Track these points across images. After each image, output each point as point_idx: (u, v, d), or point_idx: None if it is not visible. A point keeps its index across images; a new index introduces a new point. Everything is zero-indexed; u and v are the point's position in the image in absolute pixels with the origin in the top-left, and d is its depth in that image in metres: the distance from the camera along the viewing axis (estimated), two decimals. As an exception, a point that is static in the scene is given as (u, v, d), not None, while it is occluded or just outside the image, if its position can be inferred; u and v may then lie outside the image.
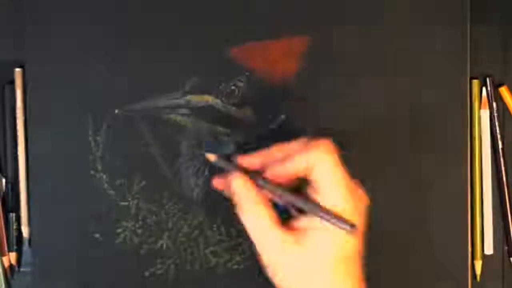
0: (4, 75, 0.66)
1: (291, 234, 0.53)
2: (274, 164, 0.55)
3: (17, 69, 0.65)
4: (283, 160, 0.54)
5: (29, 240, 0.65)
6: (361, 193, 0.55)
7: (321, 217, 0.52)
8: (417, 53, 0.64)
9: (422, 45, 0.64)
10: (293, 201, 0.54)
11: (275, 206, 0.54)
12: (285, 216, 0.54)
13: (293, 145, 0.55)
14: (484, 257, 0.66)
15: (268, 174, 0.55)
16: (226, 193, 0.56)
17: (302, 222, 0.54)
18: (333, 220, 0.52)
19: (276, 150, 0.56)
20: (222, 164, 0.56)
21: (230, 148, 0.62)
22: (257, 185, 0.54)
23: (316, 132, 0.58)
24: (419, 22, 0.64)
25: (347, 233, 0.51)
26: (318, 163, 0.53)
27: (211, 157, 0.57)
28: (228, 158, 0.57)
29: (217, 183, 0.58)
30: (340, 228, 0.51)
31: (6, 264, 0.66)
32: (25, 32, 0.64)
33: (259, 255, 0.54)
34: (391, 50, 0.64)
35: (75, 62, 0.64)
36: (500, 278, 0.66)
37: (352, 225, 0.51)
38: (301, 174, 0.54)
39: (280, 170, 0.54)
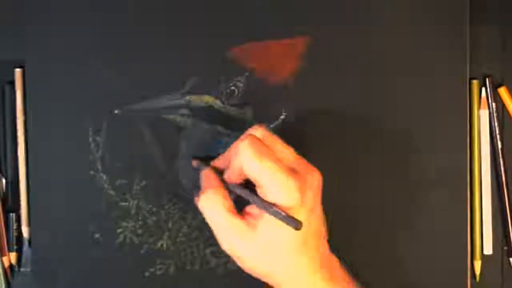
0: (4, 75, 0.65)
1: (245, 220, 0.54)
2: (226, 166, 0.57)
3: (17, 69, 0.65)
4: (229, 161, 0.57)
5: (29, 240, 0.65)
6: (312, 170, 0.55)
7: (270, 213, 0.53)
8: (416, 53, 0.64)
9: (422, 45, 0.64)
10: (248, 199, 0.55)
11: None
12: None
13: (235, 143, 0.56)
14: (484, 257, 0.66)
15: (225, 176, 0.57)
16: None
17: (254, 208, 0.55)
18: (280, 217, 0.52)
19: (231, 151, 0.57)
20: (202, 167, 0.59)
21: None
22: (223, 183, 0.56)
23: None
24: (419, 22, 0.64)
25: (294, 229, 0.52)
26: (244, 162, 0.54)
27: (194, 162, 0.61)
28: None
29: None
30: (288, 224, 0.52)
31: (6, 264, 0.66)
32: (25, 32, 0.64)
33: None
34: (391, 50, 0.64)
35: (75, 62, 0.64)
36: (500, 278, 0.66)
37: (298, 223, 0.52)
38: (244, 178, 0.55)
39: (229, 173, 0.56)
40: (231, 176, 0.56)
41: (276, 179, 0.53)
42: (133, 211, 0.64)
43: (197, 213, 0.64)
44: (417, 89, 0.64)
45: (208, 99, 0.63)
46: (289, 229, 0.52)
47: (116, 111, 0.63)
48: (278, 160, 0.53)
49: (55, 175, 0.63)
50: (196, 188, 0.61)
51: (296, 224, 0.52)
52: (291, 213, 0.52)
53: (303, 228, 0.52)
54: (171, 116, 0.63)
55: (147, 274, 0.64)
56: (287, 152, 0.55)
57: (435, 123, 0.64)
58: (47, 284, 0.64)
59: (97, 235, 0.64)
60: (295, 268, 0.54)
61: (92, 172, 0.63)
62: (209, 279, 0.64)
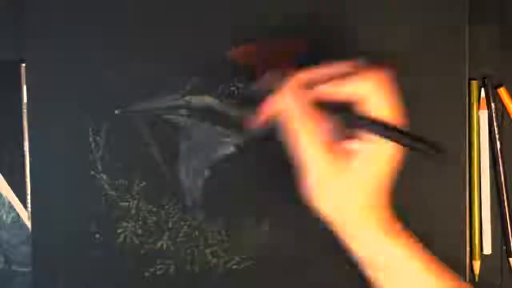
0: (4, 75, 0.65)
1: (339, 155, 0.53)
2: (323, 83, 0.54)
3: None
4: (332, 81, 0.53)
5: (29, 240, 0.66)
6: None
7: (403, 144, 0.52)
8: (416, 53, 0.64)
9: (421, 45, 0.64)
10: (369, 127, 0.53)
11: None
12: None
13: (344, 67, 0.54)
14: (483, 257, 0.66)
15: (316, 92, 0.53)
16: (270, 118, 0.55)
17: (351, 144, 0.53)
18: (419, 145, 0.52)
19: (325, 69, 0.55)
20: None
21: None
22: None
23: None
24: (419, 22, 0.64)
25: (433, 156, 0.52)
26: (372, 96, 0.52)
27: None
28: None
29: (262, 111, 0.56)
30: (427, 152, 0.52)
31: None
32: (25, 32, 0.64)
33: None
34: (391, 50, 0.64)
35: (75, 62, 0.64)
36: (499, 278, 0.66)
37: (438, 149, 0.51)
38: (350, 99, 0.53)
39: (330, 90, 0.53)
40: (331, 93, 0.53)
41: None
42: (133, 211, 0.64)
43: (197, 213, 0.64)
44: (416, 89, 0.64)
45: (208, 99, 0.64)
46: (379, 173, 0.53)
47: (116, 111, 0.63)
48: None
49: (55, 175, 0.63)
50: (196, 188, 0.61)
51: (436, 151, 0.51)
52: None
53: (386, 178, 0.53)
54: (171, 116, 0.64)
55: (147, 274, 0.64)
56: None
57: (434, 124, 0.64)
58: (47, 284, 0.64)
59: (97, 235, 0.64)
60: (369, 209, 0.54)
61: (92, 172, 0.63)
62: (209, 279, 0.64)
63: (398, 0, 0.64)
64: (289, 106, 0.53)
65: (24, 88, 0.65)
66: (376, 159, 0.53)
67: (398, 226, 0.56)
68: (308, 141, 0.53)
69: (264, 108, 0.55)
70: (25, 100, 0.65)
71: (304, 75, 0.54)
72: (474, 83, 0.66)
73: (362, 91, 0.52)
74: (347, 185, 0.53)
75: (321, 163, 0.53)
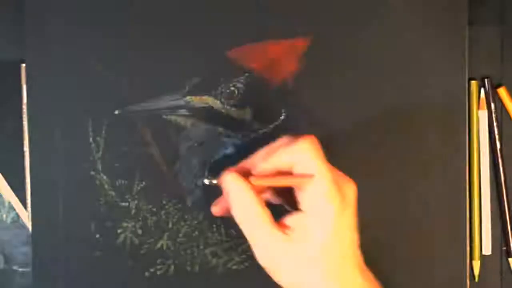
0: (4, 75, 0.65)
1: (283, 231, 0.53)
2: (259, 161, 0.55)
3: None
4: (267, 156, 0.55)
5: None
6: (348, 182, 0.54)
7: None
8: (415, 53, 0.64)
9: (421, 45, 0.64)
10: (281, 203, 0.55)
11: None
12: None
13: (277, 142, 0.55)
14: (482, 257, 0.66)
15: (255, 172, 0.55)
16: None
17: (293, 218, 0.54)
18: None
19: (262, 151, 0.56)
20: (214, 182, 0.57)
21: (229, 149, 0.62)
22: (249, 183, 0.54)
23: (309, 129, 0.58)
24: (418, 22, 0.64)
25: None
26: (301, 157, 0.53)
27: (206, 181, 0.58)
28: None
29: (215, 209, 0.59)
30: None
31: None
32: (25, 32, 0.64)
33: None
34: (390, 50, 0.64)
35: (75, 62, 0.64)
36: (498, 279, 0.66)
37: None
38: (284, 168, 0.54)
39: (264, 166, 0.54)
40: (266, 168, 0.54)
41: (328, 185, 0.52)
42: (133, 211, 0.64)
43: (197, 213, 0.64)
44: (416, 89, 0.64)
45: (208, 99, 0.64)
46: (328, 242, 0.52)
47: (116, 112, 0.63)
48: (331, 169, 0.53)
49: (56, 175, 0.63)
50: (196, 188, 0.61)
51: None
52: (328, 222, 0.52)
53: (343, 240, 0.53)
54: (171, 117, 0.63)
55: (147, 274, 0.64)
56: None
57: (433, 124, 0.64)
58: (47, 284, 0.64)
59: (97, 235, 0.64)
60: (335, 279, 0.53)
61: (92, 173, 0.63)
62: (209, 279, 0.64)
63: (398, 1, 0.64)
64: (229, 188, 0.54)
65: (24, 88, 0.65)
66: (318, 226, 0.53)
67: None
68: (249, 222, 0.53)
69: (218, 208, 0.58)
70: (25, 100, 0.65)
71: (243, 165, 0.56)
72: (474, 83, 0.66)
73: (293, 155, 0.53)
74: (300, 257, 0.53)
75: (270, 242, 0.53)
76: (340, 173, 0.54)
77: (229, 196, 0.54)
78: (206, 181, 0.57)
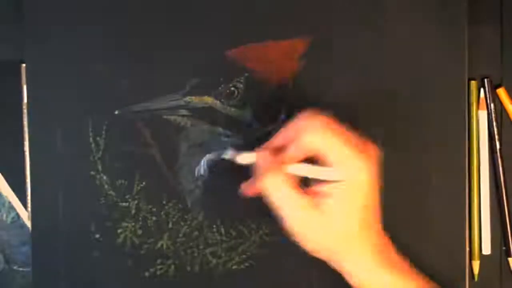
0: (4, 75, 0.66)
1: (311, 198, 0.54)
2: (288, 145, 0.56)
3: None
4: (293, 141, 0.55)
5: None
6: (371, 147, 0.55)
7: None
8: (415, 53, 0.64)
9: (421, 45, 0.64)
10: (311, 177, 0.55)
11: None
12: None
13: (294, 126, 0.56)
14: (482, 257, 0.66)
15: (287, 153, 0.55)
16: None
17: (320, 187, 0.55)
18: None
19: (287, 130, 0.57)
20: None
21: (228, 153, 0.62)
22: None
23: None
24: (418, 22, 0.64)
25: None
26: (315, 137, 0.54)
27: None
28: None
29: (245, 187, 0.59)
30: None
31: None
32: (25, 32, 0.64)
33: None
34: (390, 50, 0.64)
35: (75, 62, 0.64)
36: (498, 279, 0.66)
37: None
38: (310, 154, 0.55)
39: (291, 151, 0.55)
40: (294, 153, 0.55)
41: (347, 156, 0.54)
42: (133, 211, 0.64)
43: (197, 213, 0.64)
44: (416, 89, 0.64)
45: (208, 99, 0.64)
46: (355, 209, 0.54)
47: (116, 112, 0.63)
48: (348, 139, 0.54)
49: (55, 175, 0.63)
50: (196, 188, 0.61)
51: None
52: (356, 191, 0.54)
53: (368, 209, 0.54)
54: (171, 117, 0.64)
55: (147, 274, 0.64)
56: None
57: (433, 124, 0.64)
58: (47, 284, 0.64)
59: (97, 235, 0.64)
60: (359, 247, 0.55)
61: (92, 172, 0.64)
62: (209, 279, 0.64)
63: (398, 0, 0.64)
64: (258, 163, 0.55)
65: (24, 88, 0.65)
66: (349, 195, 0.54)
67: (392, 252, 0.57)
68: (278, 191, 0.54)
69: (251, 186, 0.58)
70: (25, 100, 0.65)
71: (268, 151, 0.56)
72: (474, 83, 0.66)
73: (311, 142, 0.54)
74: (326, 224, 0.54)
75: (298, 207, 0.54)
76: (362, 143, 0.55)
77: (258, 172, 0.55)
78: (226, 156, 0.58)
